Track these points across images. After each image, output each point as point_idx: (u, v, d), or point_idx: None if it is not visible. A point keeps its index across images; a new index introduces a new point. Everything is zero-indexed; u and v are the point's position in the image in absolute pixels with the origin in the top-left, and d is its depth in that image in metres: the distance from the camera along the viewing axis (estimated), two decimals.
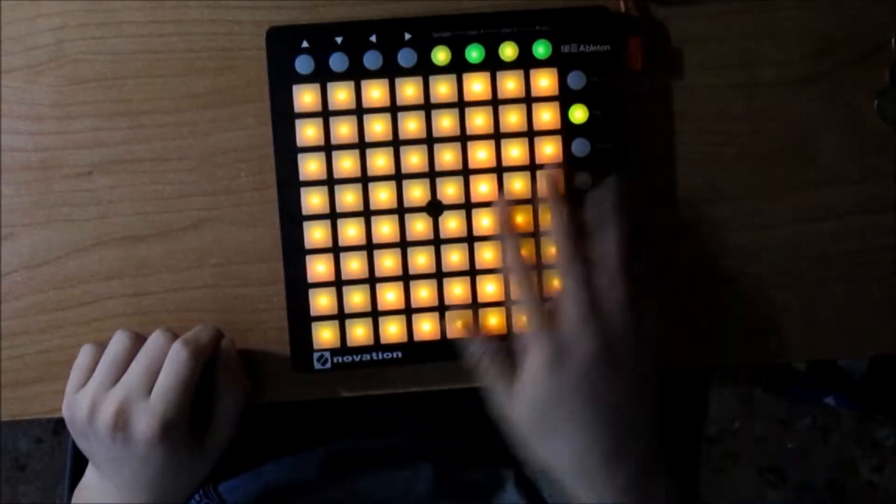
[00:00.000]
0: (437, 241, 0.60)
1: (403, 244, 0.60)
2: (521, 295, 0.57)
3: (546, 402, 0.53)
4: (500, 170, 0.60)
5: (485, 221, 0.60)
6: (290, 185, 0.59)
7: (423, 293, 0.60)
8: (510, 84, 0.59)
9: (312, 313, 0.60)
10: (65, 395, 0.58)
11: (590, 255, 0.55)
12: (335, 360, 0.60)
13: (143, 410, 0.54)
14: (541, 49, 0.59)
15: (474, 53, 0.59)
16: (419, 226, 0.60)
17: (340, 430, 0.71)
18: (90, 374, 0.57)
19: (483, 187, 0.60)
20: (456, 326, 0.59)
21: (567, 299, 0.54)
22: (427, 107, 0.59)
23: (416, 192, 0.60)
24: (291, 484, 0.67)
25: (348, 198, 0.59)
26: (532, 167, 0.60)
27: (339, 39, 0.59)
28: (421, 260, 0.60)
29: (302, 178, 0.59)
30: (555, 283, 0.58)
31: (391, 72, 0.59)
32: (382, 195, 0.60)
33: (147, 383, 0.55)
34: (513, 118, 0.60)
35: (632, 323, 0.54)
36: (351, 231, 0.60)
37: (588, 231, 0.56)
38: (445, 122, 0.59)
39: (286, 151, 0.59)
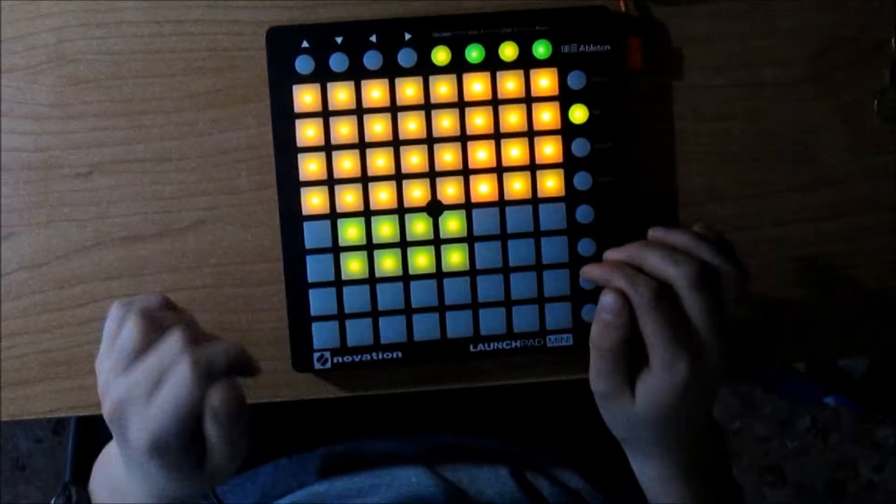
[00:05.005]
0: (437, 241, 0.60)
1: (403, 244, 0.60)
2: (659, 318, 0.52)
3: (670, 415, 0.53)
4: (500, 170, 0.60)
5: (485, 221, 0.60)
6: (290, 185, 0.59)
7: (424, 293, 0.60)
8: (510, 84, 0.59)
9: (312, 313, 0.60)
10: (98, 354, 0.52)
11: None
12: (335, 360, 0.60)
13: (139, 417, 0.48)
14: (541, 49, 0.59)
15: (474, 53, 0.59)
16: (419, 226, 0.60)
17: (340, 430, 0.71)
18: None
19: (483, 187, 0.60)
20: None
21: (700, 313, 0.52)
22: (427, 107, 0.59)
23: (416, 192, 0.60)
24: (290, 487, 0.67)
25: (348, 198, 0.59)
26: (532, 167, 0.60)
27: (339, 39, 0.59)
28: (421, 260, 0.60)
29: (302, 178, 0.59)
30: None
31: (391, 72, 0.59)
32: (382, 195, 0.60)
33: (151, 389, 0.48)
34: (513, 118, 0.60)
35: (728, 323, 0.53)
36: (351, 231, 0.60)
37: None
38: (445, 122, 0.59)
39: (286, 151, 0.59)
